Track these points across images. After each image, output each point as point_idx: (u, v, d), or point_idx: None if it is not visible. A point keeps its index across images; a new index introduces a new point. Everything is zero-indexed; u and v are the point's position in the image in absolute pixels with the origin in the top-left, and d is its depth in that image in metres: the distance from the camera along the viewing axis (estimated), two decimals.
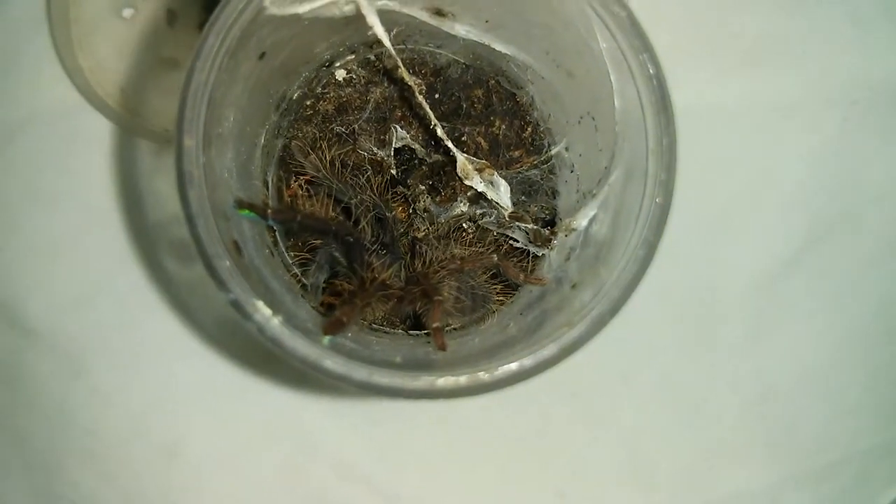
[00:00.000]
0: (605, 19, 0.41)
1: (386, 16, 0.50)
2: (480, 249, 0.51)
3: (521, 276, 0.51)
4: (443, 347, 0.47)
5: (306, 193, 0.56)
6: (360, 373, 0.39)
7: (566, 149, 0.54)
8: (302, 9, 0.44)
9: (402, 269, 0.53)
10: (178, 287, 0.61)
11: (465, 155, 0.54)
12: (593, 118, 0.49)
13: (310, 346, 0.40)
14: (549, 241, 0.52)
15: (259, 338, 0.40)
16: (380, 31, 0.47)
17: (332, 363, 0.39)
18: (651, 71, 0.40)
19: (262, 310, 0.39)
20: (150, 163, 0.61)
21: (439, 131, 0.53)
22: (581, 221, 0.49)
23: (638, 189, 0.43)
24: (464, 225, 0.56)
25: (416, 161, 0.57)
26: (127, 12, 0.65)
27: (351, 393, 0.63)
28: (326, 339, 0.44)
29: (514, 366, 0.41)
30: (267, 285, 0.45)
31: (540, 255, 0.54)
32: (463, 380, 0.40)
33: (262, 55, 0.46)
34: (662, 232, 0.40)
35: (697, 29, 0.68)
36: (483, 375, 0.40)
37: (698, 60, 0.68)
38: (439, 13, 0.51)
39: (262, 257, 0.49)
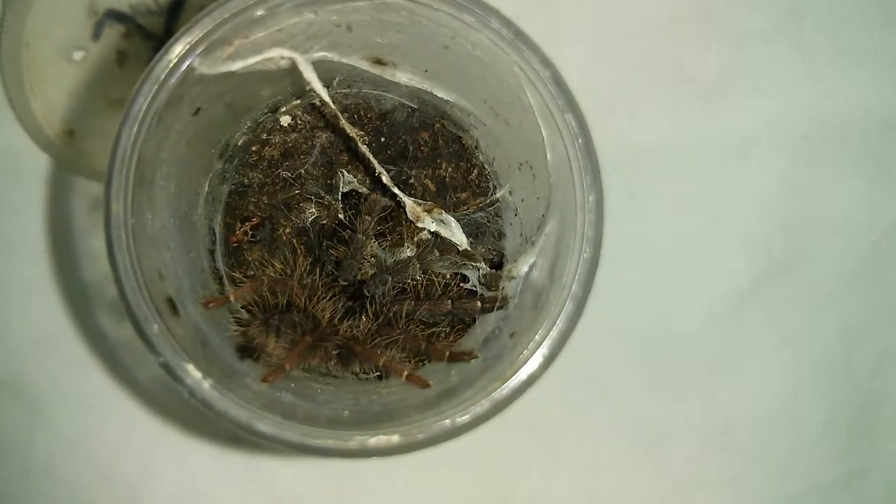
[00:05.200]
0: (532, 77, 0.41)
1: (326, 65, 0.51)
2: (414, 332, 0.51)
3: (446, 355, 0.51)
4: (426, 385, 0.47)
5: (252, 240, 0.56)
6: (292, 434, 0.40)
7: (510, 193, 0.55)
8: (235, 66, 0.44)
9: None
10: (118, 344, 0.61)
11: (412, 198, 0.54)
12: (531, 166, 0.49)
13: (242, 408, 0.40)
14: (495, 284, 0.53)
15: (190, 400, 0.40)
16: (317, 86, 0.47)
17: (265, 425, 0.40)
18: (576, 130, 0.40)
19: (193, 373, 0.40)
20: (89, 218, 0.61)
21: (384, 179, 0.53)
22: (521, 268, 0.49)
23: (570, 241, 0.43)
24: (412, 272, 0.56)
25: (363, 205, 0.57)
26: (78, 55, 0.65)
27: None
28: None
29: (447, 423, 0.41)
30: (205, 340, 0.46)
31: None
32: (395, 439, 0.40)
33: (197, 111, 0.46)
34: (591, 287, 0.41)
35: (653, 67, 0.68)
36: (417, 434, 0.40)
37: (653, 98, 0.69)
38: (379, 62, 0.52)
39: (202, 310, 0.49)
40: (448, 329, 0.56)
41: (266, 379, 0.45)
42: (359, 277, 0.54)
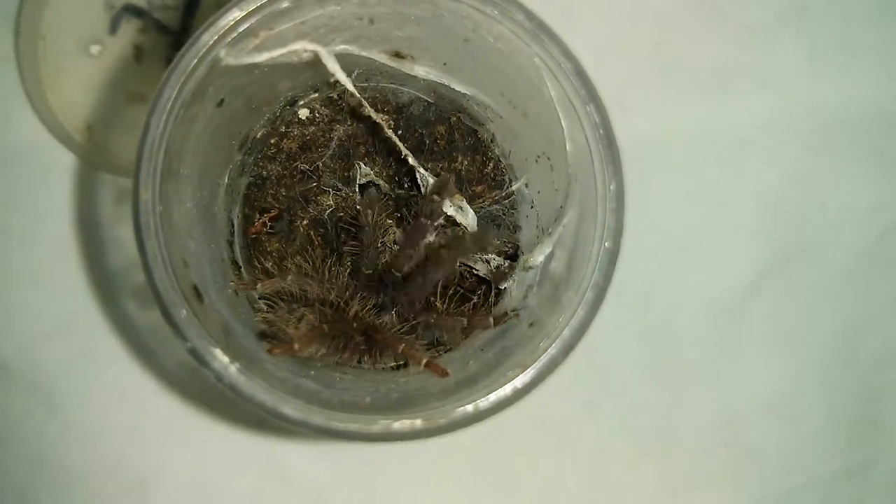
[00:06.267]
0: (553, 69, 0.42)
1: (346, 59, 0.51)
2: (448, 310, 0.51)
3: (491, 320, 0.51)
4: (444, 374, 0.47)
5: (270, 231, 0.57)
6: (317, 418, 0.40)
7: (526, 185, 0.55)
8: (260, 58, 0.45)
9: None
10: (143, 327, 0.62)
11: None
12: (549, 158, 0.50)
13: (268, 392, 0.40)
14: (506, 275, 0.53)
15: (217, 385, 0.40)
16: (342, 77, 0.48)
17: (291, 409, 0.40)
18: (597, 121, 0.41)
19: (220, 357, 0.40)
20: (114, 208, 0.62)
21: (411, 160, 0.54)
22: (537, 258, 0.50)
23: (590, 231, 0.44)
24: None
25: (381, 196, 0.58)
26: (94, 49, 0.65)
27: None
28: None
29: (469, 408, 0.42)
30: (228, 328, 0.46)
31: (502, 288, 0.55)
32: (419, 423, 0.41)
33: (220, 102, 0.47)
34: (612, 276, 0.42)
35: (658, 59, 0.69)
36: (439, 419, 0.41)
37: (659, 90, 0.69)
38: (398, 55, 0.52)
39: (224, 298, 0.49)
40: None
41: (271, 351, 0.45)
42: (380, 267, 0.54)
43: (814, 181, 0.69)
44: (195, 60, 0.40)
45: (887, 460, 0.70)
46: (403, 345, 0.47)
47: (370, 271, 0.51)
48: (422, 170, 0.52)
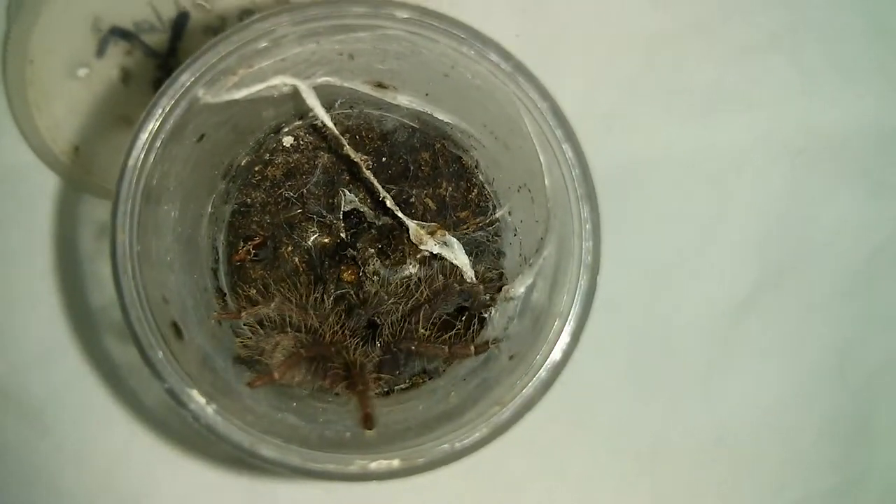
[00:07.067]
0: (530, 108, 0.42)
1: (328, 89, 0.51)
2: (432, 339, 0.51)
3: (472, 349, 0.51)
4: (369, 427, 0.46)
5: (255, 259, 0.57)
6: (294, 459, 0.40)
7: (509, 213, 0.55)
8: (239, 94, 0.45)
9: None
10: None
11: (415, 221, 0.55)
12: (529, 190, 0.50)
13: (245, 432, 0.41)
14: (488, 304, 0.53)
15: (194, 425, 0.40)
16: (321, 112, 0.48)
17: (268, 450, 0.40)
18: (572, 160, 0.41)
19: (197, 398, 0.40)
20: (98, 237, 0.62)
21: (388, 203, 0.54)
22: (518, 289, 0.50)
23: (568, 265, 0.44)
24: (412, 286, 0.57)
25: (365, 224, 0.58)
26: (82, 72, 0.65)
27: None
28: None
29: (446, 447, 0.42)
30: (208, 362, 0.46)
31: (485, 316, 0.55)
32: (396, 463, 0.41)
33: (200, 137, 0.47)
34: (588, 314, 0.42)
35: (649, 80, 0.69)
36: (417, 458, 0.41)
37: (650, 110, 0.69)
38: (381, 86, 0.52)
39: (206, 330, 0.50)
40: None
41: (252, 384, 0.45)
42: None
43: (805, 201, 0.69)
44: (172, 102, 0.40)
45: (879, 476, 0.70)
46: (360, 388, 0.47)
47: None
48: (399, 213, 0.52)
